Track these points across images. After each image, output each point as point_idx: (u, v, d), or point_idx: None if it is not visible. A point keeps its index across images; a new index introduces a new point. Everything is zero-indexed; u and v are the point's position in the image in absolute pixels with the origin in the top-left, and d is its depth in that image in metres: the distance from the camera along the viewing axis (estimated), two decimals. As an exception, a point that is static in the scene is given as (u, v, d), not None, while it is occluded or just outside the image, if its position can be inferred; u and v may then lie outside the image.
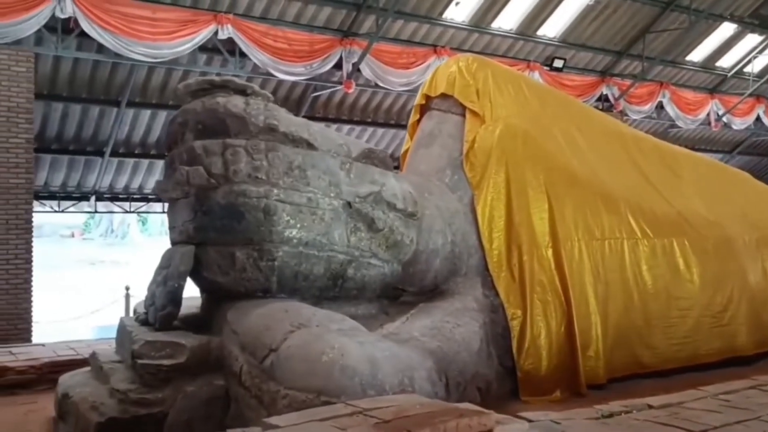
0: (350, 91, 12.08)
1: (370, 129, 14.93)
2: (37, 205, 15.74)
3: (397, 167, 6.46)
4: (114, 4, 9.47)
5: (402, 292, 5.11)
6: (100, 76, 11.53)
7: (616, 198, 6.04)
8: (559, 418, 3.32)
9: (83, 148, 13.46)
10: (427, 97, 6.23)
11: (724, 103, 17.81)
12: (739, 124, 18.38)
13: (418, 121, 6.36)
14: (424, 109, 6.31)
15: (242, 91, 4.39)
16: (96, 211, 16.15)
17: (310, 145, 4.30)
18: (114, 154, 13.56)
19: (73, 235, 39.04)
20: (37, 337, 9.70)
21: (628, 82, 15.43)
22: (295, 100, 13.57)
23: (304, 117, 13.97)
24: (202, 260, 4.25)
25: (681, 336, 6.06)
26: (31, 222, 8.84)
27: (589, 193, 5.79)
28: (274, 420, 2.31)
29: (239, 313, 3.85)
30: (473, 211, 5.45)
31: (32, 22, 8.88)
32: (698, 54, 16.50)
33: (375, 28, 11.42)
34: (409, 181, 5.13)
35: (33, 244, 9.01)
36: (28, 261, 8.92)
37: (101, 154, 13.50)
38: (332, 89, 12.89)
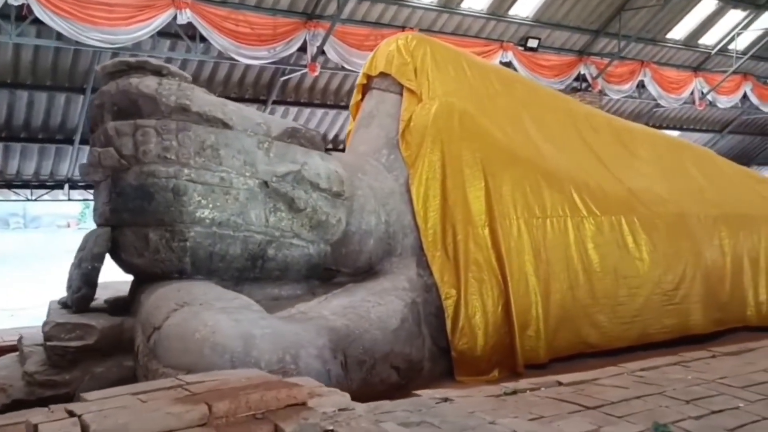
0: (315, 73, 12.09)
1: (345, 112, 14.92)
2: (10, 194, 15.87)
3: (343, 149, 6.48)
4: (68, -11, 9.45)
5: (336, 273, 5.15)
6: (62, 64, 11.53)
7: (561, 176, 6.05)
8: (458, 395, 3.35)
9: (52, 136, 13.49)
10: (369, 77, 6.25)
11: (709, 81, 17.79)
12: (725, 102, 18.36)
13: (362, 101, 6.39)
14: (366, 89, 6.32)
15: (158, 72, 4.41)
16: (70, 199, 16.25)
17: (225, 125, 4.32)
18: (84, 141, 13.58)
19: (68, 225, 39.20)
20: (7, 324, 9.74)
21: (606, 61, 15.40)
22: (264, 84, 13.58)
23: (274, 101, 14.04)
24: (120, 242, 4.29)
25: (630, 315, 6.09)
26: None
27: (529, 171, 5.81)
28: (86, 394, 2.35)
29: (147, 294, 3.90)
30: (409, 191, 5.48)
31: (-17, 9, 8.87)
32: (679, 31, 16.46)
33: (342, 11, 11.41)
34: (340, 161, 5.15)
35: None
36: (-15, 250, 8.95)
37: (71, 141, 13.54)
38: (302, 72, 12.88)
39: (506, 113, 6.06)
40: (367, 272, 5.25)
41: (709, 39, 17.26)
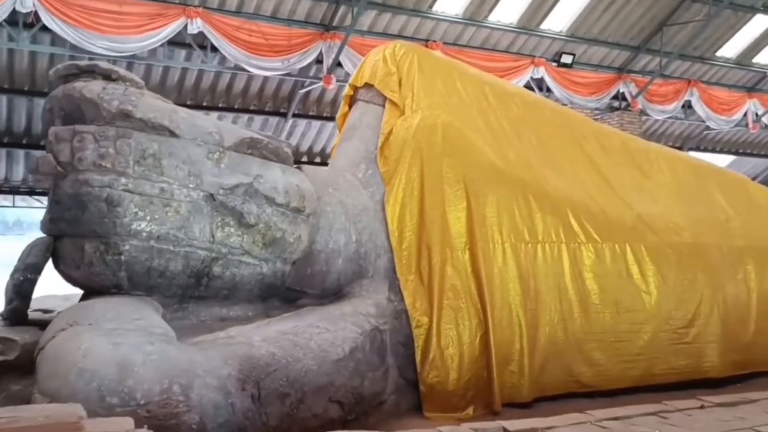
0: (330, 86, 12.02)
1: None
2: (33, 202, 16.26)
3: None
4: (78, -3, 9.65)
5: (301, 294, 4.97)
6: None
7: (557, 198, 5.75)
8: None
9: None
10: (356, 88, 6.09)
11: (764, 102, 17.03)
12: (782, 126, 17.57)
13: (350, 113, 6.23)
14: (353, 101, 6.17)
15: (107, 76, 4.35)
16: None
17: (171, 133, 4.20)
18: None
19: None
20: None
21: (647, 79, 14.90)
22: (284, 97, 13.60)
23: (295, 114, 14.04)
24: (60, 253, 4.21)
25: (633, 353, 5.72)
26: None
27: (519, 192, 5.52)
28: None
29: (70, 310, 3.78)
30: (384, 209, 5.27)
31: (-8, 16, 9.12)
32: (730, 49, 15.83)
33: (356, 22, 11.34)
34: (309, 175, 4.98)
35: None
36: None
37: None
38: (322, 85, 12.83)
39: (498, 129, 5.80)
40: (335, 294, 5.05)
41: (764, 58, 16.56)
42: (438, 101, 5.61)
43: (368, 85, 5.86)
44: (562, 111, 6.91)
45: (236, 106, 13.50)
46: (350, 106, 6.18)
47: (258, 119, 13.97)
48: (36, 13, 9.46)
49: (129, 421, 2.34)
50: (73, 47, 10.69)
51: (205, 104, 13.17)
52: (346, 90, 6.23)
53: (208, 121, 4.52)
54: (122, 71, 4.44)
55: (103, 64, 4.42)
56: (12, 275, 4.18)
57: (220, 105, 13.31)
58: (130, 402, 2.81)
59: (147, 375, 2.87)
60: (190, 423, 2.81)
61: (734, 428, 3.56)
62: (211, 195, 4.23)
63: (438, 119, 5.43)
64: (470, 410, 4.96)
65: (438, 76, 5.78)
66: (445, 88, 5.74)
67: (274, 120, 14.07)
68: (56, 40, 10.75)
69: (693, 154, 18.18)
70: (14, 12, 9.51)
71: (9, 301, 4.15)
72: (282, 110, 13.83)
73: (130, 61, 11.48)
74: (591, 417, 3.75)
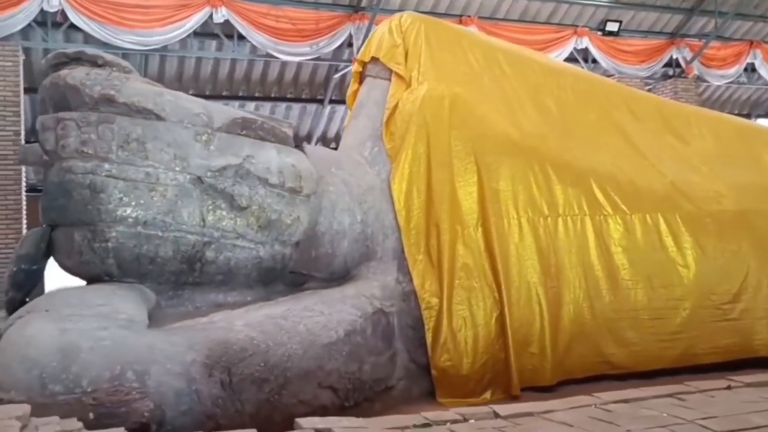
0: (360, 69, 11.82)
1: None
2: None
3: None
4: (103, -6, 9.79)
5: (308, 278, 4.88)
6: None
7: (579, 168, 5.49)
8: (345, 427, 2.96)
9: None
10: (364, 64, 5.95)
11: (838, 61, 15.89)
12: None
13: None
14: (363, 77, 6.03)
15: (93, 62, 4.34)
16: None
17: (157, 116, 4.16)
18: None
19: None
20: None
21: (702, 43, 14.12)
22: (319, 83, 13.53)
23: (332, 100, 13.94)
24: (55, 243, 4.24)
25: (669, 331, 5.44)
26: (21, 212, 9.25)
27: (536, 163, 5.29)
28: None
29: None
30: (390, 187, 5.12)
31: (20, 17, 9.35)
32: (796, 5, 14.83)
33: (386, 2, 11.15)
34: (309, 155, 4.87)
35: (23, 234, 9.44)
36: (17, 250, 9.32)
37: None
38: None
39: (513, 99, 5.56)
40: (343, 277, 4.94)
41: (835, 12, 15.46)
42: (446, 72, 5.41)
43: (375, 60, 5.71)
44: (587, 77, 6.58)
45: (273, 95, 13.51)
46: (361, 83, 6.05)
47: (296, 107, 13.96)
48: (63, 12, 9.69)
49: (24, 408, 2.26)
50: (105, 44, 10.89)
51: (240, 94, 13.23)
52: (354, 66, 6.10)
53: (196, 102, 4.45)
54: (108, 56, 4.43)
55: (90, 51, 4.43)
56: (9, 266, 4.24)
57: (256, 95, 13.34)
58: (75, 389, 2.77)
59: (95, 361, 2.82)
60: (142, 411, 2.74)
61: (755, 410, 3.26)
62: (199, 178, 4.17)
63: (445, 90, 5.24)
64: (488, 395, 4.81)
65: (446, 45, 5.58)
66: (453, 58, 5.53)
67: (312, 107, 14.03)
68: (89, 37, 10.95)
69: (762, 121, 17.21)
70: (43, 12, 9.76)
71: (6, 293, 4.21)
72: (319, 97, 13.78)
73: (163, 54, 11.63)
74: (597, 400, 3.52)
